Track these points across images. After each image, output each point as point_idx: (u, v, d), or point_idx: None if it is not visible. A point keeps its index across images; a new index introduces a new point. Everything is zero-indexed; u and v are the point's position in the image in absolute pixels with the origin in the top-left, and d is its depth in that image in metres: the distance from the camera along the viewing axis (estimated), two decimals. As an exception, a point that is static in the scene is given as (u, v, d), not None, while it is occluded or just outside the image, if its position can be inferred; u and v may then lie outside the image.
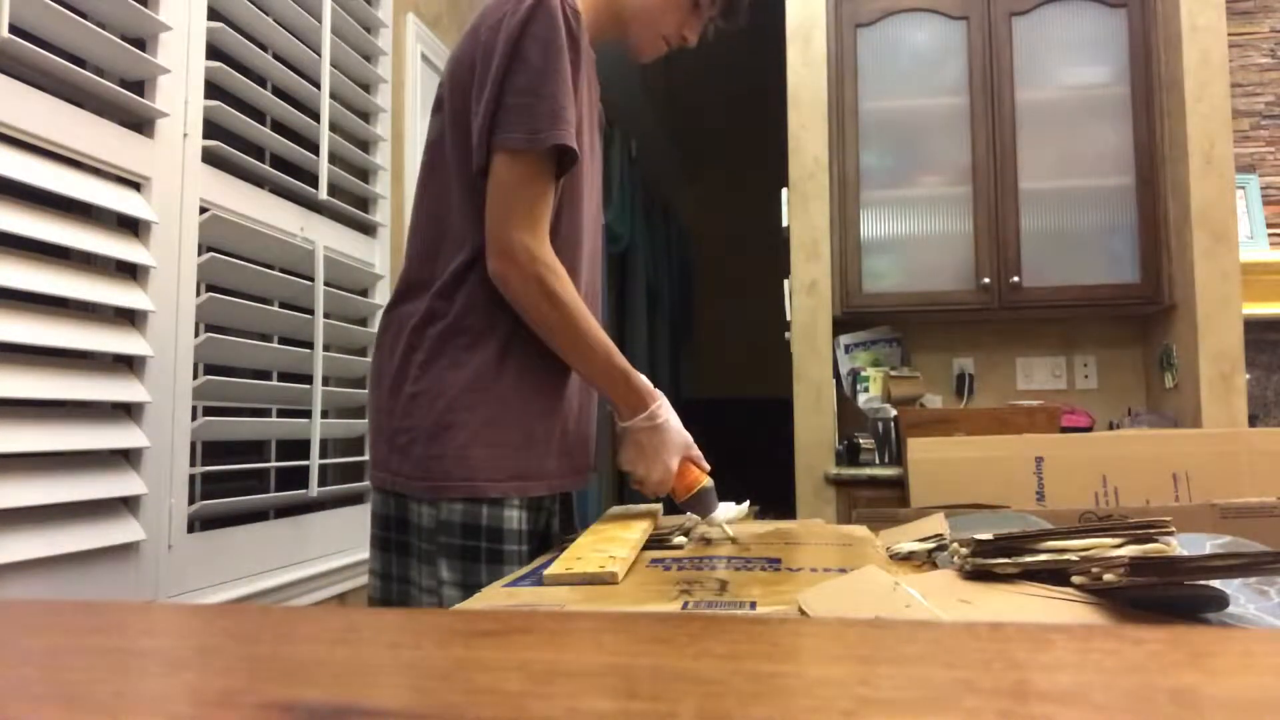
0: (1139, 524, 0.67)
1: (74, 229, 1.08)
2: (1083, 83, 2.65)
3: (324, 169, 1.63)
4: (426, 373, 1.03)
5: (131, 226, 1.21)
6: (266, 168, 1.48)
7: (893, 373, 2.77)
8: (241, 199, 1.43)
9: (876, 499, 2.43)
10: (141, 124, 1.22)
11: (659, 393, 1.09)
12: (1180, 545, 0.68)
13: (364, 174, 1.88)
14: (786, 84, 2.73)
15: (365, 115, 1.87)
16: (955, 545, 0.73)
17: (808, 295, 2.66)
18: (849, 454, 2.67)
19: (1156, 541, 0.65)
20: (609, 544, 0.91)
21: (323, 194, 1.63)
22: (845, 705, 0.23)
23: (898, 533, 1.00)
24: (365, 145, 1.87)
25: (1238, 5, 3.27)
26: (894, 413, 2.55)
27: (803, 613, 0.62)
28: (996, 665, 0.26)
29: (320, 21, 1.65)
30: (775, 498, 2.33)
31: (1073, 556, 0.65)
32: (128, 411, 1.18)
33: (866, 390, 2.75)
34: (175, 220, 1.26)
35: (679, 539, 1.02)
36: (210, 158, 1.35)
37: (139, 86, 1.24)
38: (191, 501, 1.30)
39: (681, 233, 5.46)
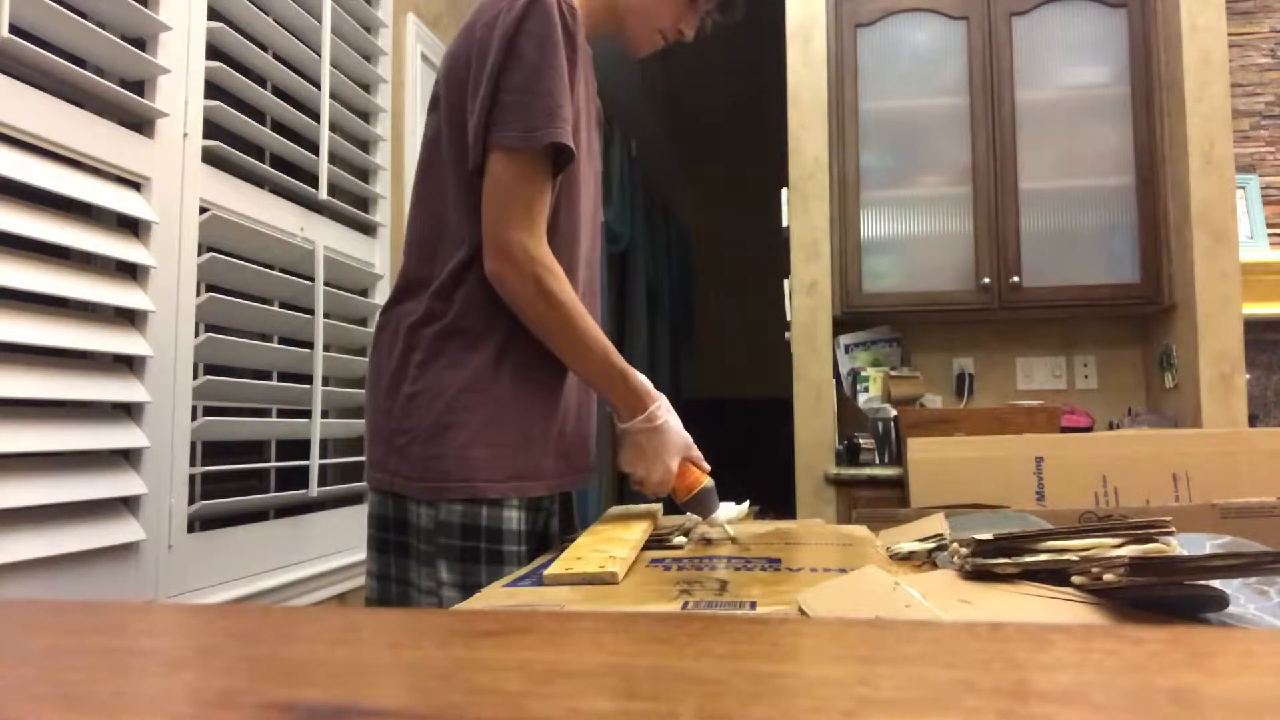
0: (1139, 524, 0.67)
1: (74, 229, 1.08)
2: (1083, 83, 2.65)
3: (324, 169, 1.63)
4: (425, 373, 1.02)
5: (131, 226, 1.21)
6: (266, 168, 1.48)
7: (893, 373, 2.77)
8: (241, 199, 1.43)
9: (876, 499, 2.43)
10: (141, 124, 1.22)
11: (658, 393, 1.08)
12: (1180, 545, 0.68)
13: (364, 174, 1.88)
14: (786, 84, 2.73)
15: (365, 115, 1.87)
16: (955, 545, 0.73)
17: (808, 295, 2.66)
18: (849, 454, 2.67)
19: (1156, 541, 0.65)
20: (609, 544, 0.91)
21: (323, 194, 1.63)
22: (845, 705, 0.23)
23: (898, 533, 1.00)
24: (365, 145, 1.87)
25: (1238, 5, 3.27)
26: (894, 413, 2.55)
27: (803, 613, 0.62)
28: (996, 665, 0.26)
29: (320, 21, 1.65)
30: (775, 498, 2.33)
31: (1073, 556, 0.65)
32: (128, 411, 1.18)
33: (866, 390, 2.75)
34: (175, 220, 1.26)
35: (679, 539, 1.02)
36: (210, 158, 1.35)
37: (139, 86, 1.24)
38: (191, 501, 1.30)
39: (681, 233, 5.46)
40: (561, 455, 1.09)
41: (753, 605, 0.66)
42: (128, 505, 1.18)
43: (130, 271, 1.20)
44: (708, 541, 1.01)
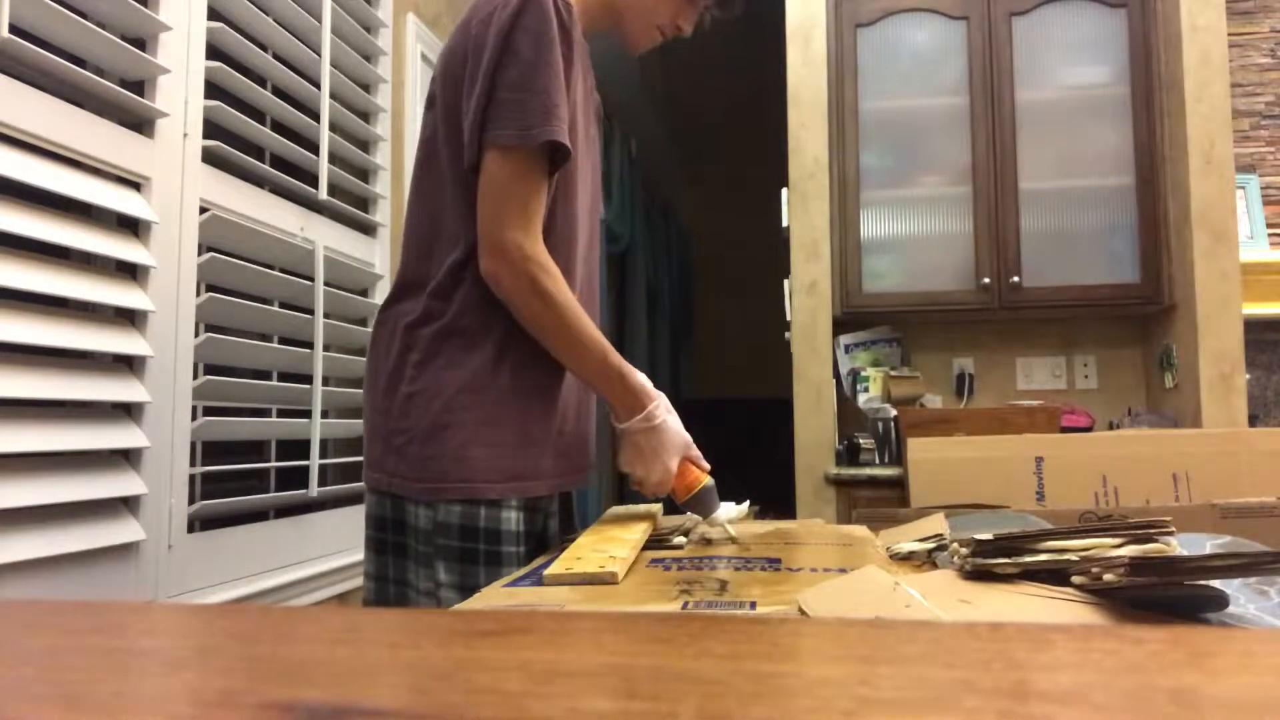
0: (1139, 524, 0.67)
1: (74, 229, 1.08)
2: (1083, 83, 2.65)
3: (324, 169, 1.63)
4: (422, 373, 1.02)
5: (131, 226, 1.21)
6: (266, 168, 1.48)
7: (893, 373, 2.77)
8: (241, 199, 1.43)
9: (876, 499, 2.43)
10: (141, 124, 1.22)
11: (657, 393, 1.07)
12: (1180, 545, 0.68)
13: (364, 174, 1.88)
14: (786, 84, 2.73)
15: (365, 115, 1.87)
16: (955, 545, 0.73)
17: (808, 295, 2.66)
18: (849, 454, 2.67)
19: (1156, 541, 0.65)
20: (609, 544, 0.91)
21: (323, 194, 1.63)
22: (845, 705, 0.23)
23: (898, 533, 1.00)
24: (365, 145, 1.87)
25: (1238, 5, 3.27)
26: (894, 413, 2.55)
27: (803, 613, 0.62)
28: (996, 665, 0.26)
29: (320, 21, 1.65)
30: (775, 498, 2.33)
31: (1073, 556, 0.65)
32: (128, 411, 1.18)
33: (866, 390, 2.75)
34: (175, 220, 1.26)
35: (679, 539, 1.02)
36: (210, 158, 1.35)
37: (139, 86, 1.24)
38: (191, 501, 1.30)
39: (681, 233, 5.46)
40: (561, 455, 1.09)
41: (753, 605, 0.66)
42: (128, 505, 1.18)
43: (130, 271, 1.20)
44: (708, 541, 1.01)
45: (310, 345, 1.59)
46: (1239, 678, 0.25)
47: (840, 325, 2.76)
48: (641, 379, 1.06)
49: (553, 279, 1.00)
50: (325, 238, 1.66)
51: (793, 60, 2.72)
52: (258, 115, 1.49)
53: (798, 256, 2.68)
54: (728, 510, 1.07)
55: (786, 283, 2.79)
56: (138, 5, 1.19)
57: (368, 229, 1.86)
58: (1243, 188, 3.19)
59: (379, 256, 1.88)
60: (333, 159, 1.69)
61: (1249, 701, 0.23)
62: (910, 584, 0.64)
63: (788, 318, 2.76)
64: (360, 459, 1.74)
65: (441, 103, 1.05)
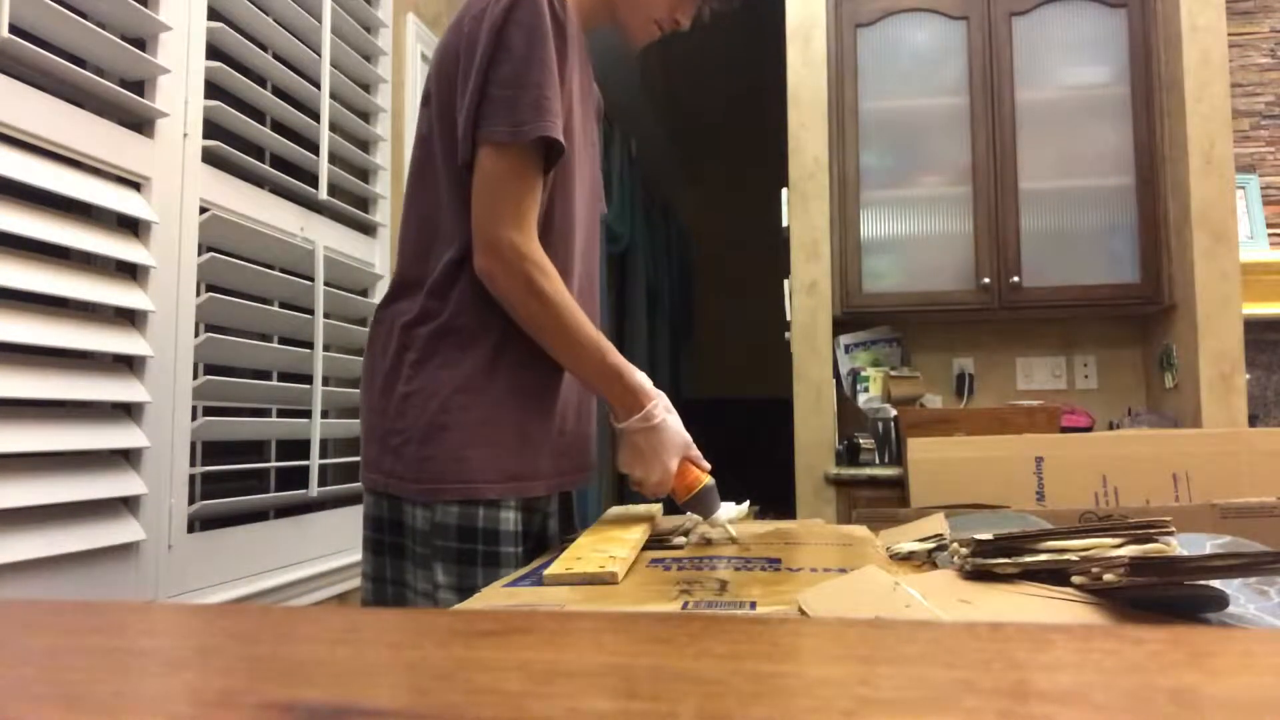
0: (1139, 524, 0.67)
1: (74, 229, 1.08)
2: (1083, 83, 2.65)
3: (324, 169, 1.63)
4: (419, 372, 1.01)
5: (131, 226, 1.21)
6: (266, 168, 1.48)
7: (893, 373, 2.77)
8: (241, 199, 1.43)
9: (876, 499, 2.43)
10: (141, 124, 1.22)
11: (657, 392, 1.06)
12: (1180, 545, 0.68)
13: (364, 174, 1.88)
14: (786, 84, 2.73)
15: (365, 115, 1.87)
16: (955, 545, 0.73)
17: (808, 295, 2.66)
18: (849, 454, 2.67)
19: (1156, 541, 0.65)
20: (609, 544, 0.91)
21: (323, 194, 1.63)
22: (845, 705, 0.23)
23: (898, 533, 1.00)
24: (365, 145, 1.88)
25: (1238, 5, 3.27)
26: (894, 413, 2.56)
27: (803, 613, 0.62)
28: (996, 665, 0.26)
29: (320, 21, 1.65)
30: (775, 498, 2.33)
31: (1073, 556, 0.65)
32: (128, 411, 1.18)
33: (866, 390, 2.75)
34: (175, 220, 1.26)
35: (679, 539, 1.02)
36: (210, 158, 1.35)
37: (139, 86, 1.24)
38: (191, 501, 1.30)
39: (681, 233, 5.46)
40: (561, 454, 1.08)
41: (753, 605, 0.66)
42: (128, 505, 1.18)
43: (130, 271, 1.20)
44: (708, 541, 1.01)
45: (310, 345, 1.59)
46: (1239, 678, 0.25)
47: (840, 325, 2.76)
48: (640, 378, 1.05)
49: (548, 277, 0.99)
50: (325, 238, 1.66)
51: (793, 60, 2.72)
52: (258, 115, 1.49)
53: (798, 256, 2.68)
54: (728, 510, 1.06)
55: (786, 283, 2.79)
56: (138, 5, 1.19)
57: (368, 229, 1.86)
58: (1243, 188, 3.19)
59: (379, 256, 1.88)
60: (333, 159, 1.69)
61: (1249, 701, 0.23)
62: (910, 584, 0.64)
63: (788, 318, 2.76)
64: (360, 459, 1.74)
65: (436, 100, 1.04)
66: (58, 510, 1.07)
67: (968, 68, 2.68)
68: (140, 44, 1.24)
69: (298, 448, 1.61)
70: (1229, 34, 2.53)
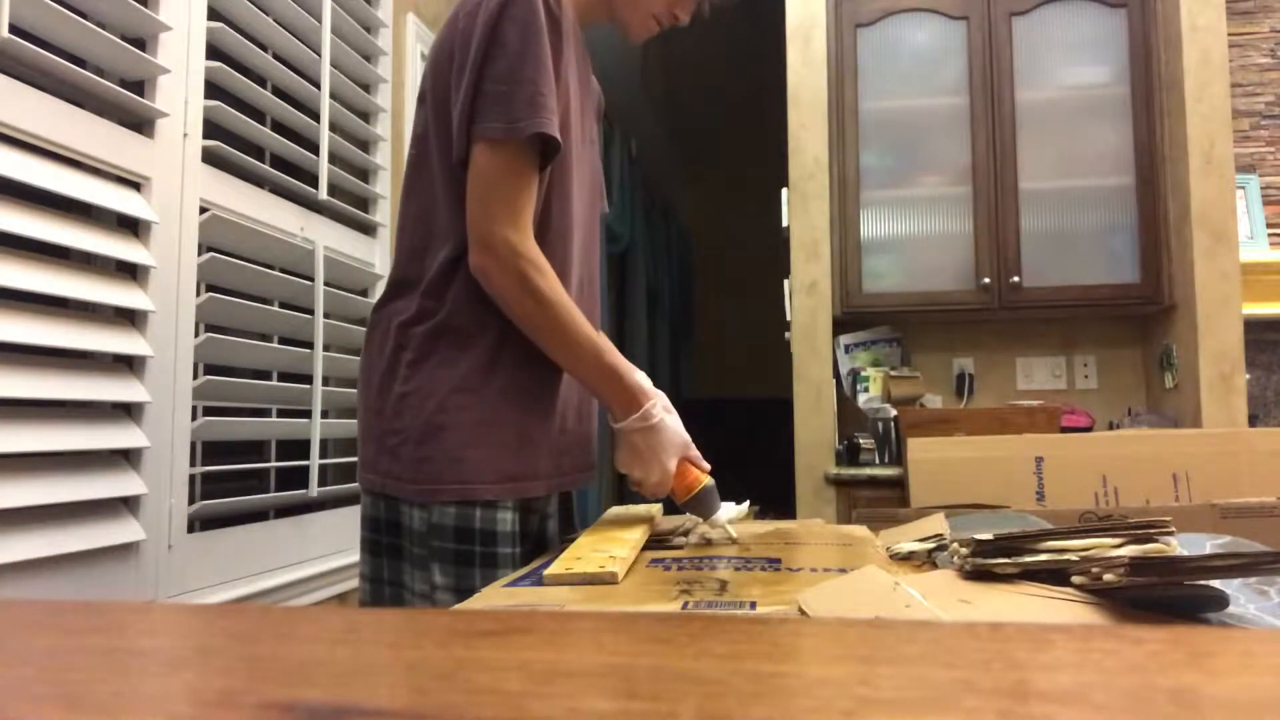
0: (1139, 524, 0.67)
1: (74, 229, 1.08)
2: (1083, 83, 2.65)
3: (324, 169, 1.63)
4: (416, 372, 1.00)
5: (131, 226, 1.21)
6: (266, 168, 1.48)
7: (893, 373, 2.77)
8: (241, 199, 1.43)
9: (876, 499, 2.43)
10: (141, 124, 1.22)
11: (656, 391, 1.06)
12: (1180, 545, 0.68)
13: (364, 174, 1.88)
14: (786, 84, 2.73)
15: (365, 115, 1.87)
16: (955, 545, 0.73)
17: (808, 295, 2.66)
18: (849, 454, 2.67)
19: (1156, 541, 0.65)
20: (609, 544, 0.91)
21: (323, 194, 1.63)
22: (845, 705, 0.23)
23: (898, 533, 1.00)
24: (365, 145, 1.88)
25: (1238, 5, 3.27)
26: (894, 413, 2.56)
27: (803, 613, 0.62)
28: (996, 665, 0.26)
29: (320, 21, 1.65)
30: (775, 498, 2.34)
31: (1073, 556, 0.65)
32: (128, 411, 1.18)
33: (866, 390, 2.75)
34: (175, 220, 1.26)
35: (679, 539, 1.02)
36: (210, 158, 1.35)
37: (139, 86, 1.24)
38: (191, 501, 1.30)
39: (681, 233, 5.46)
40: (561, 454, 1.08)
41: (753, 605, 0.66)
42: (128, 505, 1.18)
43: (130, 271, 1.20)
44: (708, 541, 1.01)
45: (310, 345, 1.59)
46: (1239, 678, 0.25)
47: (840, 325, 2.76)
48: (639, 377, 1.05)
49: (544, 275, 0.98)
50: (325, 238, 1.66)
51: (793, 60, 2.72)
52: (258, 115, 1.49)
53: (798, 256, 2.68)
54: (728, 510, 1.06)
55: (786, 283, 2.79)
56: (138, 5, 1.19)
57: (368, 229, 1.86)
58: (1243, 188, 3.19)
59: (379, 256, 1.88)
60: (333, 159, 1.69)
61: (1249, 701, 0.23)
62: (910, 584, 0.64)
63: (788, 318, 2.76)
64: (357, 459, 1.74)
65: (431, 97, 1.03)
66: (58, 510, 1.07)
67: (968, 68, 2.68)
68: (140, 44, 1.24)
69: (297, 448, 1.61)
70: (1229, 34, 2.53)
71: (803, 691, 0.24)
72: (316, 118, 1.62)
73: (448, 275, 1.02)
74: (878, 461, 2.61)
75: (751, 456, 4.08)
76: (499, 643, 0.30)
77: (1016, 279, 2.60)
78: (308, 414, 1.59)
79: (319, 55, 1.63)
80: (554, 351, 1.01)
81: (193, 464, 1.31)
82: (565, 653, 0.29)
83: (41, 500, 1.02)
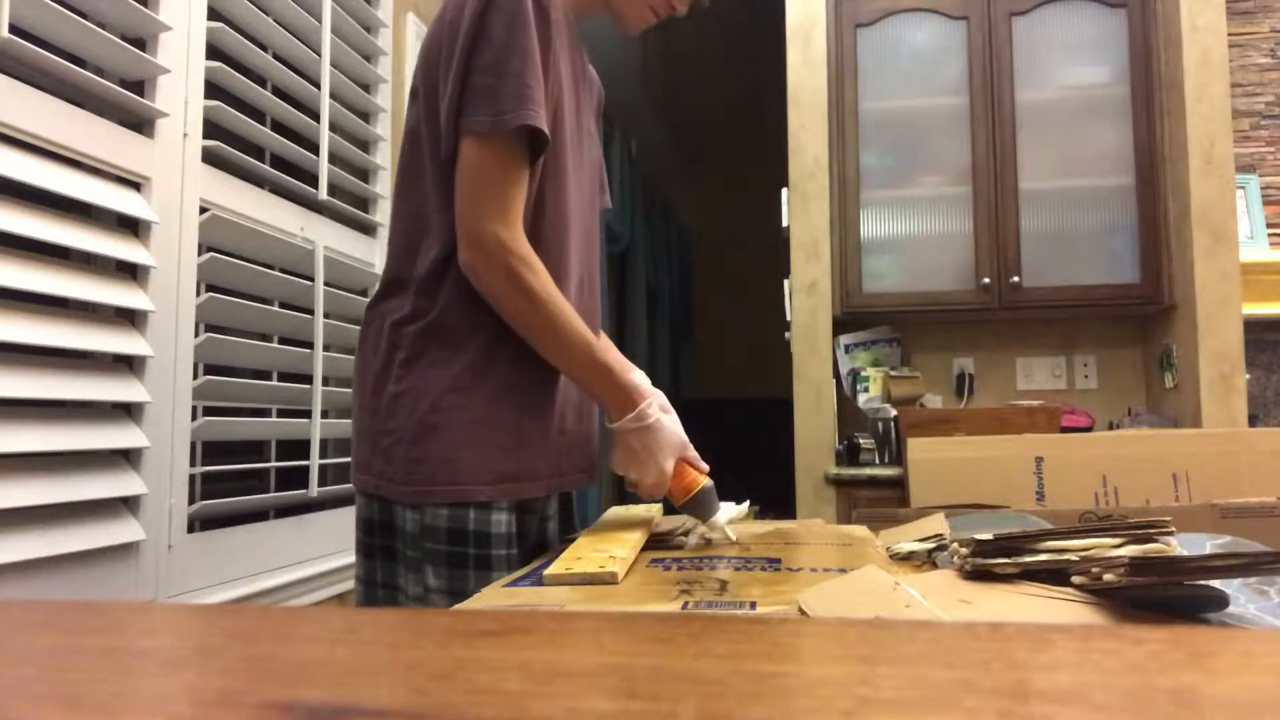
0: (1139, 524, 0.67)
1: (74, 229, 1.08)
2: (1083, 83, 2.65)
3: (324, 169, 1.63)
4: (409, 372, 0.99)
5: (131, 226, 1.21)
6: (266, 168, 1.48)
7: (893, 373, 2.77)
8: (241, 199, 1.43)
9: (876, 499, 2.43)
10: (141, 124, 1.22)
11: (653, 390, 1.04)
12: (1180, 545, 0.68)
13: (364, 174, 1.88)
14: (786, 84, 2.73)
15: (365, 115, 1.87)
16: (955, 545, 0.73)
17: (808, 295, 2.66)
18: (849, 454, 2.67)
19: (1156, 541, 0.65)
20: (609, 544, 0.91)
21: (323, 194, 1.63)
22: (845, 705, 0.23)
23: (898, 533, 1.00)
24: (365, 145, 1.88)
25: (1238, 5, 3.27)
26: (894, 413, 2.56)
27: (803, 613, 0.62)
28: (996, 665, 0.26)
29: (320, 21, 1.65)
30: (775, 498, 2.34)
31: (1073, 556, 0.65)
32: (128, 411, 1.18)
33: (866, 390, 2.75)
34: (175, 220, 1.26)
35: (679, 539, 1.02)
36: (210, 158, 1.35)
37: (139, 86, 1.24)
38: (191, 501, 1.30)
39: (681, 233, 5.46)
40: (560, 454, 1.06)
41: (753, 605, 0.66)
42: (128, 505, 1.18)
43: (130, 271, 1.20)
44: (708, 541, 1.00)
45: (310, 345, 1.59)
46: (1239, 678, 0.25)
47: (840, 325, 2.76)
48: (634, 376, 1.03)
49: (534, 271, 0.96)
50: (325, 238, 1.66)
51: (793, 60, 2.72)
52: (258, 115, 1.49)
53: (798, 256, 2.68)
54: (728, 510, 1.04)
55: (786, 283, 2.79)
56: (138, 5, 1.19)
57: (368, 229, 1.86)
58: (1243, 188, 3.19)
59: (379, 256, 1.88)
60: (333, 159, 1.69)
61: (1249, 701, 0.23)
62: (910, 584, 0.64)
63: (788, 318, 2.76)
64: (351, 460, 1.74)
65: (423, 92, 1.02)
66: (58, 510, 1.07)
67: (968, 68, 2.68)
68: (140, 44, 1.24)
69: (298, 448, 1.61)
70: (1229, 34, 2.53)
71: (803, 691, 0.24)
72: (316, 118, 1.62)
73: (440, 273, 1.00)
74: (878, 461, 2.61)
75: (751, 456, 4.08)
76: (499, 643, 0.30)
77: (1016, 279, 2.60)
78: (308, 414, 1.59)
79: (319, 55, 1.63)
80: (545, 350, 1.00)
81: (193, 464, 1.31)
82: (565, 653, 0.29)
83: (41, 500, 1.02)
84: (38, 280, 1.01)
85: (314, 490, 1.58)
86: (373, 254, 1.87)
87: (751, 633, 0.31)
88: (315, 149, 1.62)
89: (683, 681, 0.25)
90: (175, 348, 1.26)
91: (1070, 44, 2.66)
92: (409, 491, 0.97)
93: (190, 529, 1.30)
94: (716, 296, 5.82)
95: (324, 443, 1.63)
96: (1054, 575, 0.65)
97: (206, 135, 1.33)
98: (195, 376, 1.31)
